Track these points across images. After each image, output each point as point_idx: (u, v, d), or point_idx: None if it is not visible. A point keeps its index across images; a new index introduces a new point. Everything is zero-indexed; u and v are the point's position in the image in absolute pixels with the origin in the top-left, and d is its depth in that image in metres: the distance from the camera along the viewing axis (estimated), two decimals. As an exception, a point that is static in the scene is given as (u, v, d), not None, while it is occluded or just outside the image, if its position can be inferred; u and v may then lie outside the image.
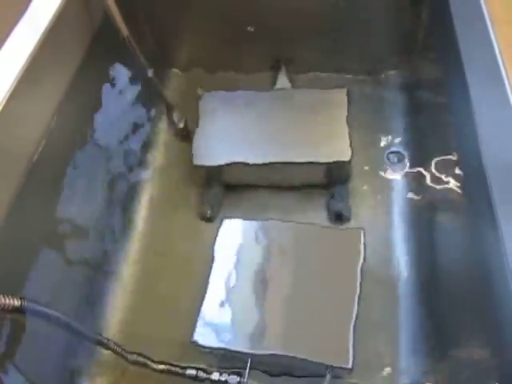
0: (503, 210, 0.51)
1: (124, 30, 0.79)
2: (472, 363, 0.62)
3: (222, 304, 0.71)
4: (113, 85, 0.86)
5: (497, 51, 0.59)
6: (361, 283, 0.70)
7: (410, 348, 0.74)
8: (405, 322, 0.76)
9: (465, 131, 0.63)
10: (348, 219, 0.87)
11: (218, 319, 0.70)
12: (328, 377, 0.64)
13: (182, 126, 0.98)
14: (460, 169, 0.70)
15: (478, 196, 0.57)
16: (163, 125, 1.03)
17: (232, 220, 0.80)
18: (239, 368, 0.70)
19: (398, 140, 0.96)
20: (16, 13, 0.67)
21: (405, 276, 0.81)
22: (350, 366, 0.64)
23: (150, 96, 0.96)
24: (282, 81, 1.01)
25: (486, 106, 0.59)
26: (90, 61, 0.77)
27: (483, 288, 0.56)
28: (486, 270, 0.55)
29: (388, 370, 0.73)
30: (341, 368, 0.65)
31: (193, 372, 0.71)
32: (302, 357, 0.65)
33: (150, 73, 0.89)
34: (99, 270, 0.83)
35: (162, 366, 0.71)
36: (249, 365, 0.68)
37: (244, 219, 0.80)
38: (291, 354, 0.66)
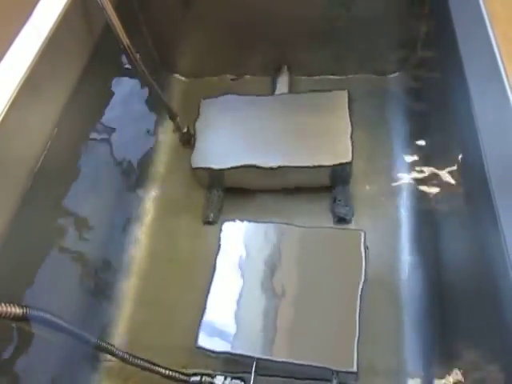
0: (505, 212, 0.50)
1: (124, 39, 0.79)
2: (479, 368, 0.61)
3: (225, 308, 0.71)
4: (114, 93, 0.87)
5: (496, 50, 0.58)
6: (363, 286, 0.70)
7: (415, 352, 0.74)
8: (410, 325, 0.76)
9: (466, 131, 0.63)
10: (350, 221, 0.87)
11: (222, 323, 0.70)
12: (335, 382, 0.64)
13: (184, 131, 0.98)
14: (463, 170, 0.70)
15: (481, 198, 0.56)
16: (166, 131, 1.04)
17: (232, 222, 0.80)
18: (243, 373, 0.70)
19: (400, 141, 0.96)
20: (17, 23, 0.67)
21: (409, 279, 0.80)
22: (354, 369, 0.64)
23: (152, 103, 0.97)
24: (282, 85, 1.01)
25: (486, 104, 0.58)
26: (91, 70, 0.78)
27: (489, 291, 0.56)
28: (491, 273, 0.55)
29: (394, 374, 0.73)
30: (346, 372, 0.64)
31: (197, 377, 0.71)
32: (308, 363, 0.65)
33: (151, 80, 0.90)
34: (104, 278, 0.84)
35: (166, 372, 0.71)
36: (253, 369, 0.67)
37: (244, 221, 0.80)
38: (297, 361, 0.65)
